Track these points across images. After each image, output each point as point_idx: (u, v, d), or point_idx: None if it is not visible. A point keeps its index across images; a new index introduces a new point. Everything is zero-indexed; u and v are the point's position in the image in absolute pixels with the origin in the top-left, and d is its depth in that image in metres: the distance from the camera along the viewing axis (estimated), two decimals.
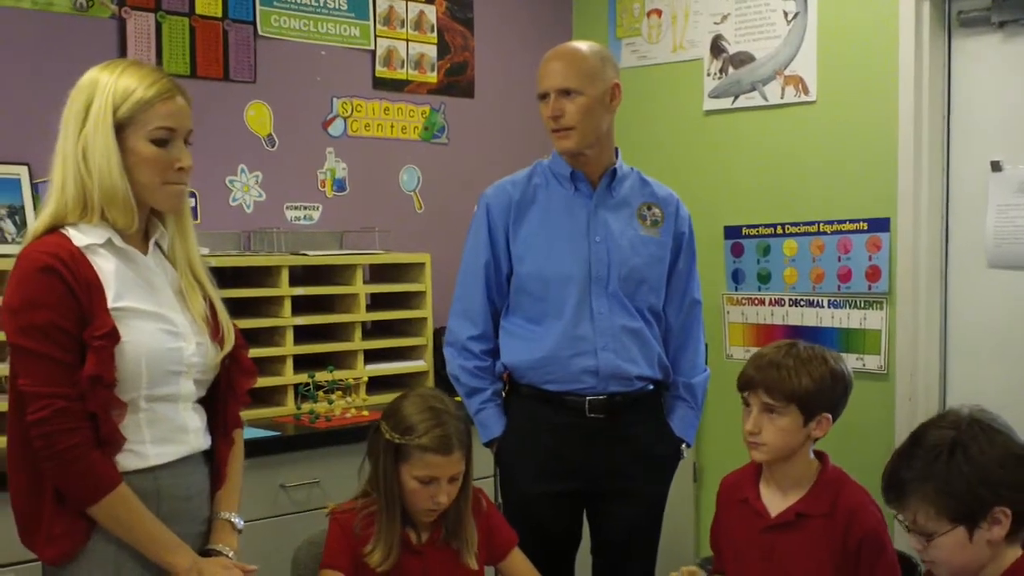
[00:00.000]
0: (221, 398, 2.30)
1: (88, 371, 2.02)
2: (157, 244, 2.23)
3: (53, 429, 2.01)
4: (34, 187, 3.39)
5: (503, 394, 3.03)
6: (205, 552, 2.21)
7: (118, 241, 2.13)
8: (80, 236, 2.09)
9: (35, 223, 2.13)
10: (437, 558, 2.53)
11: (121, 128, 2.10)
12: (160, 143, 2.13)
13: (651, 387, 2.98)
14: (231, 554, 2.23)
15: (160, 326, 2.14)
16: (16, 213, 3.36)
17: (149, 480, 2.12)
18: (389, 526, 2.47)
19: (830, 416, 2.49)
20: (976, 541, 2.07)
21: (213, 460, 2.29)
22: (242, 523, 2.31)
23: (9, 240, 3.32)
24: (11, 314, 2.04)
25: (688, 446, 3.05)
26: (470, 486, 2.58)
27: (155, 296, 2.16)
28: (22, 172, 3.40)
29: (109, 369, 2.04)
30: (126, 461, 2.10)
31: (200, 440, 2.24)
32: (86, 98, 2.11)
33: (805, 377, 2.45)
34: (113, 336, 2.04)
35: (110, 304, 2.07)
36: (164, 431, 2.15)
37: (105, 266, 2.09)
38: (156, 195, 2.16)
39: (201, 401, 2.27)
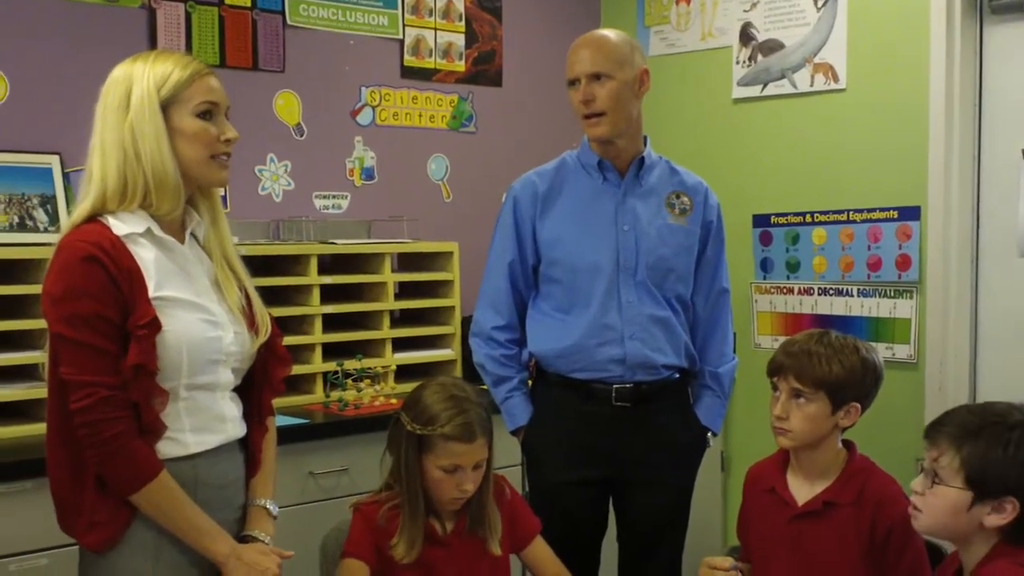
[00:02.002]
0: (256, 386, 2.31)
1: (131, 360, 2.03)
2: (193, 234, 2.24)
3: (97, 418, 2.02)
4: (65, 176, 3.41)
5: (529, 383, 3.04)
6: (242, 538, 2.22)
7: (157, 230, 2.14)
8: (120, 225, 2.10)
9: (74, 213, 2.14)
10: (463, 548, 2.53)
11: (165, 108, 2.12)
12: (206, 116, 2.16)
13: (677, 376, 2.98)
14: (267, 540, 2.25)
15: (199, 316, 2.15)
16: (48, 202, 3.38)
17: (187, 468, 2.14)
18: (413, 518, 2.47)
19: (859, 406, 2.48)
20: (972, 514, 2.09)
21: (248, 447, 2.31)
22: (277, 509, 2.33)
23: (41, 229, 3.34)
24: (53, 303, 2.05)
25: (714, 435, 3.04)
26: (492, 473, 2.58)
27: (193, 286, 2.18)
28: (54, 161, 3.42)
29: (151, 358, 2.05)
30: (166, 449, 2.11)
31: (237, 428, 2.26)
32: (124, 88, 2.12)
33: (836, 365, 2.45)
34: (155, 326, 2.05)
35: (151, 294, 2.08)
36: (203, 420, 2.17)
37: (145, 255, 2.11)
38: (205, 170, 2.18)
39: (236, 389, 2.28)
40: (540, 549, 2.68)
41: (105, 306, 2.03)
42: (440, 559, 2.51)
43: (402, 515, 2.48)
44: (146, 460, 2.07)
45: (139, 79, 2.12)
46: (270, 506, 2.31)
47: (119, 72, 2.16)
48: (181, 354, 2.10)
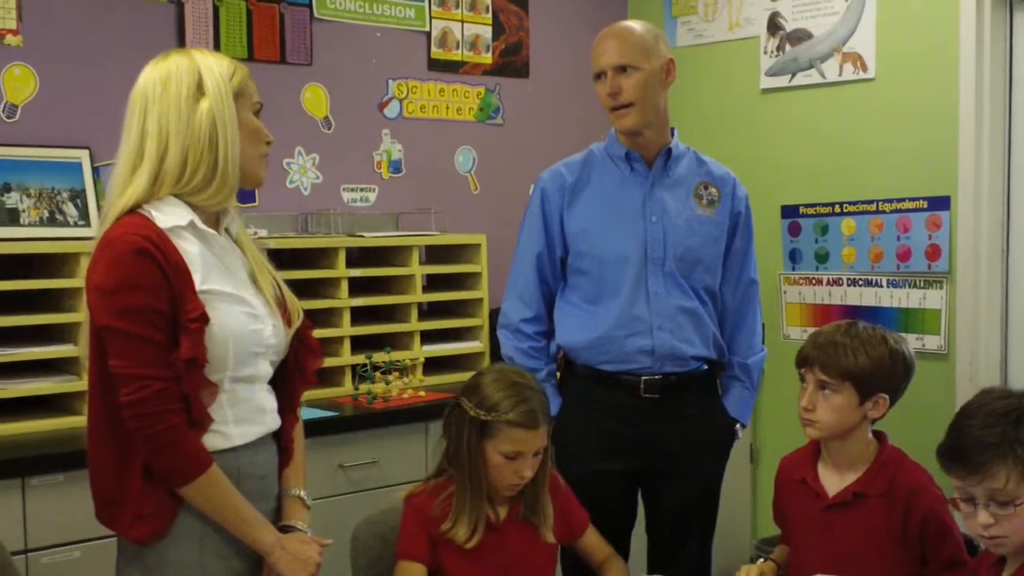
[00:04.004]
0: (288, 379, 2.31)
1: (185, 354, 2.03)
2: (226, 230, 2.25)
3: (151, 410, 2.02)
4: (95, 171, 3.44)
5: (558, 374, 3.04)
6: (281, 528, 2.24)
7: (199, 223, 2.13)
8: (163, 218, 2.09)
9: (117, 203, 2.11)
10: (515, 534, 2.54)
11: (234, 100, 2.14)
12: (258, 115, 2.20)
13: (706, 367, 2.97)
14: (306, 529, 2.27)
15: (242, 309, 2.15)
16: (78, 196, 3.40)
17: (231, 459, 2.14)
18: (474, 503, 2.48)
19: (887, 397, 2.46)
20: None
21: (279, 439, 2.31)
22: (310, 499, 2.34)
23: (71, 223, 3.36)
24: (103, 296, 2.04)
25: (743, 426, 3.04)
26: (548, 461, 2.59)
27: (233, 279, 2.18)
28: (83, 156, 3.44)
29: (203, 351, 2.05)
30: (211, 441, 2.11)
31: (275, 420, 2.27)
32: (193, 77, 2.11)
33: (862, 356, 2.43)
34: (204, 319, 2.06)
35: (198, 287, 2.08)
36: (244, 411, 2.17)
37: (190, 249, 2.10)
38: (257, 166, 2.20)
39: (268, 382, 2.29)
40: (592, 536, 2.70)
41: (157, 299, 2.02)
42: (492, 545, 2.51)
43: (458, 500, 2.49)
44: (198, 453, 2.08)
45: (208, 69, 2.12)
46: (304, 496, 2.32)
47: (183, 62, 2.13)
48: (227, 347, 2.10)
